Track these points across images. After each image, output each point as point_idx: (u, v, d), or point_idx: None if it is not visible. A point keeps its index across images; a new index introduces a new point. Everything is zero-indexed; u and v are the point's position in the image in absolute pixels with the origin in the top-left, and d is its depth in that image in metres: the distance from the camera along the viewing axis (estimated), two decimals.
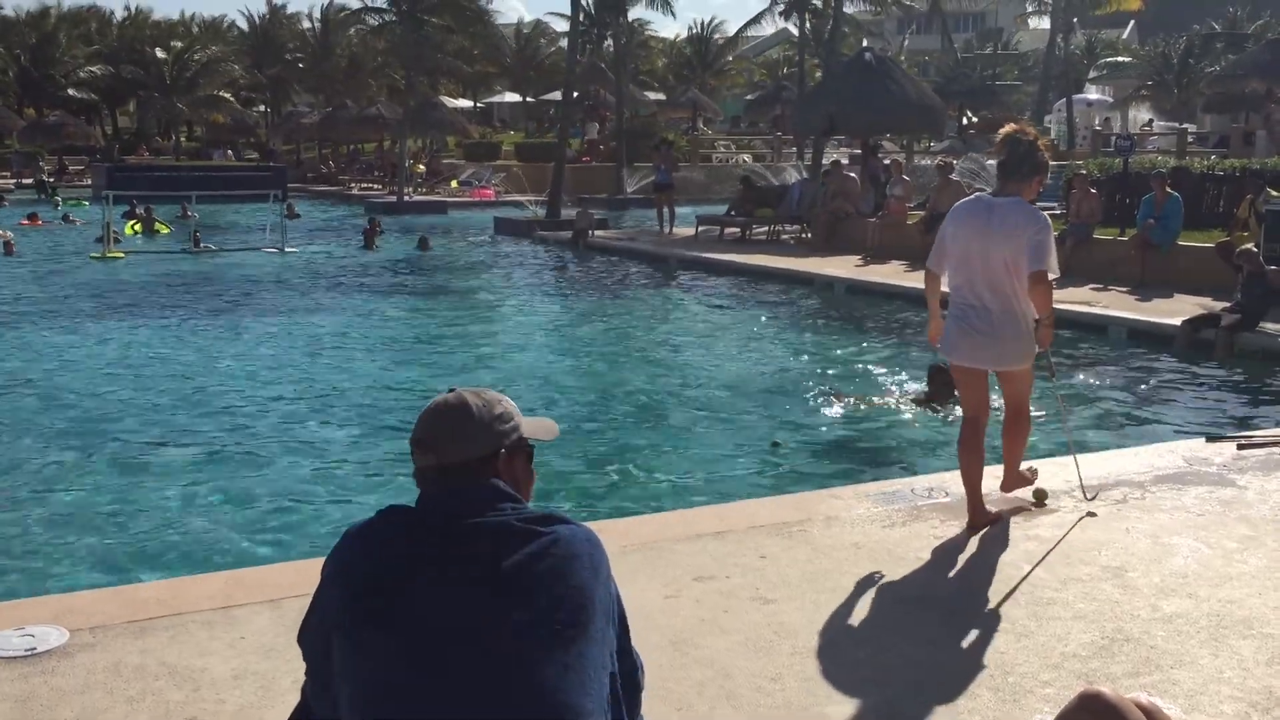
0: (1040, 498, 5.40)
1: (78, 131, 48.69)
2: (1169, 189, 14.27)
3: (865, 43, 35.09)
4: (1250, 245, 11.06)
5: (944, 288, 5.24)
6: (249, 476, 7.21)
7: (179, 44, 53.66)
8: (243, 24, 60.59)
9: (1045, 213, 5.13)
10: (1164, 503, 5.42)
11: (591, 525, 2.23)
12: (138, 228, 24.73)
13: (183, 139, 53.92)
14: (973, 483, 5.09)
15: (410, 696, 1.97)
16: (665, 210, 23.04)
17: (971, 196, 5.22)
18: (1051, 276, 4.89)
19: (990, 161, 24.38)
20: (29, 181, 39.62)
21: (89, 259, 20.12)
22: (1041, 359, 5.36)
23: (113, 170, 27.48)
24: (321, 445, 8.00)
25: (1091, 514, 5.22)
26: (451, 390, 2.26)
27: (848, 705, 3.46)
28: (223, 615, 4.07)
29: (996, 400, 5.46)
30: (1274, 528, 5.06)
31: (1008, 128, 5.17)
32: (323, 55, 53.87)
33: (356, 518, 2.23)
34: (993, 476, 5.44)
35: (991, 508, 5.17)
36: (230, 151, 51.19)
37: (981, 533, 5.01)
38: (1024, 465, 5.47)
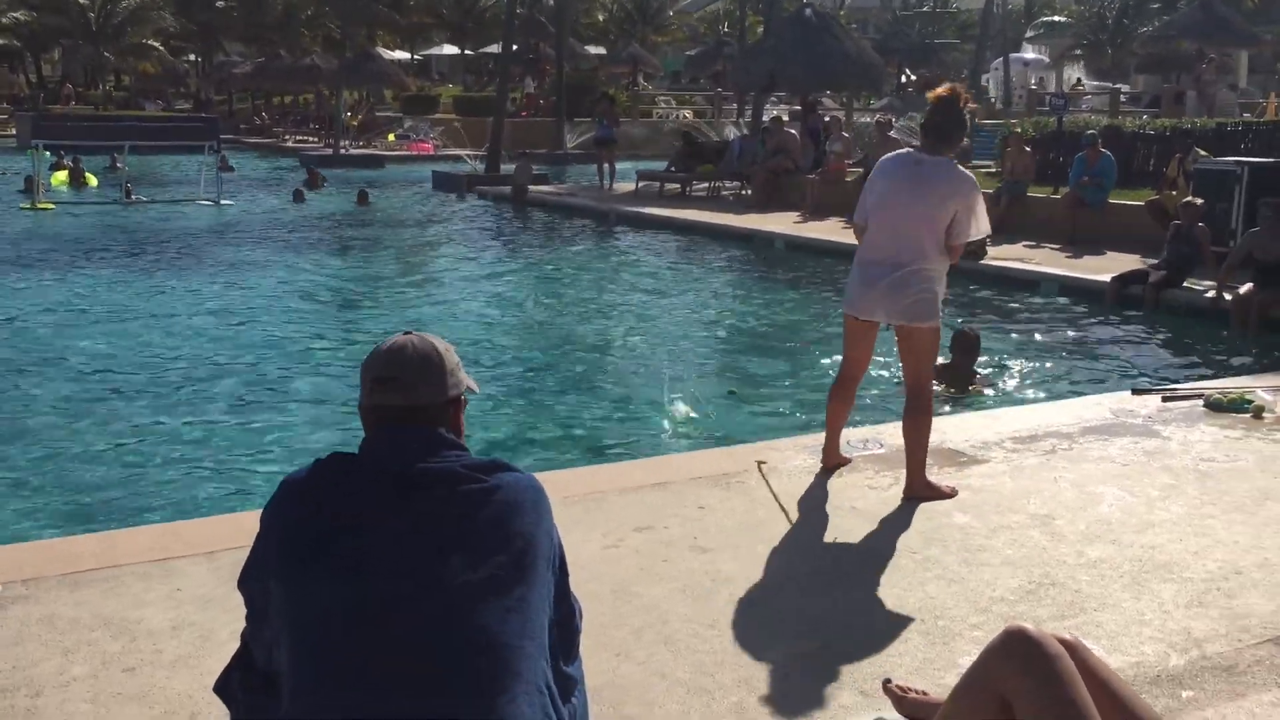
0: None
1: None
2: (1102, 148, 14.51)
3: None
4: (1196, 200, 11.26)
5: None
6: (183, 429, 7.13)
7: None
8: None
9: (982, 170, 5.14)
10: (1091, 453, 5.57)
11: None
12: (64, 178, 24.11)
13: (110, 88, 52.44)
14: (834, 426, 5.27)
15: (350, 640, 1.98)
16: (606, 166, 22.94)
17: (901, 151, 5.10)
18: (985, 234, 5.02)
19: None
20: None
21: (19, 209, 19.62)
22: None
23: (37, 119, 26.68)
24: (258, 398, 7.93)
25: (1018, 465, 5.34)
26: (408, 333, 2.26)
27: (781, 650, 3.53)
28: (159, 567, 4.04)
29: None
30: (1195, 477, 5.23)
31: (942, 89, 5.05)
32: (255, 3, 52.56)
33: (293, 467, 2.23)
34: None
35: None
36: (161, 102, 49.91)
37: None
38: (945, 484, 5.01)
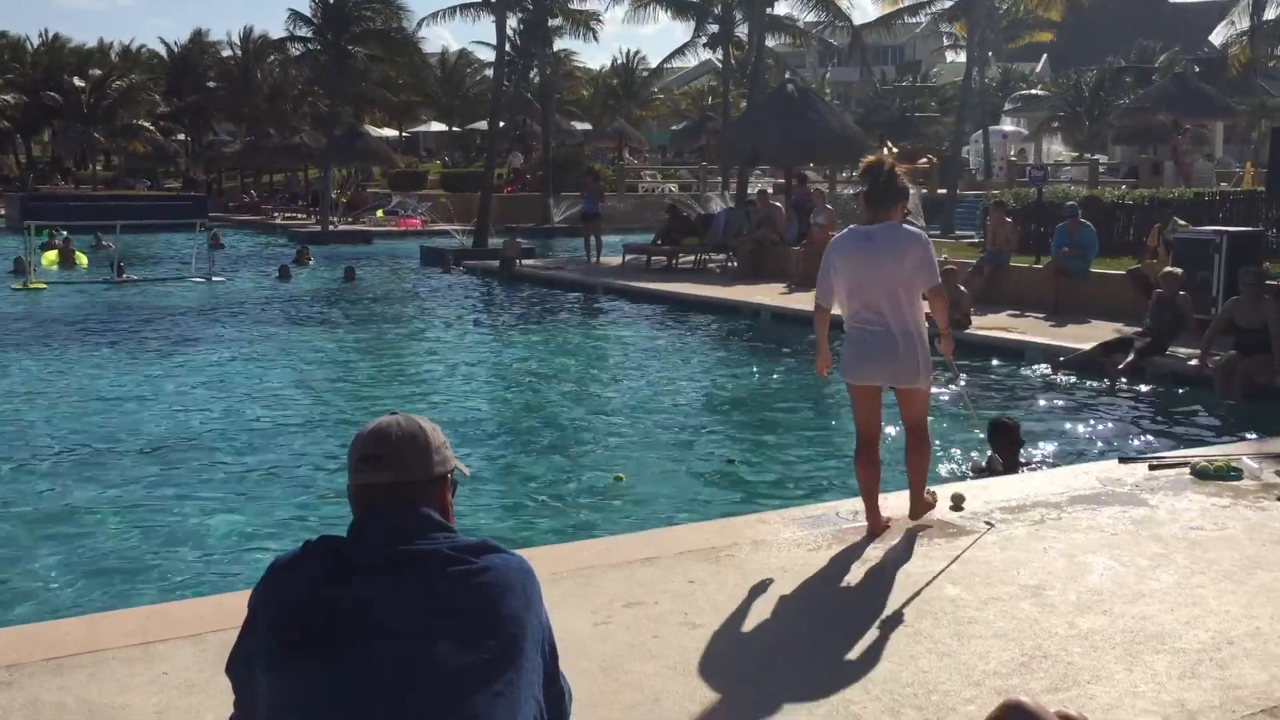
0: (957, 501, 5.75)
1: None
2: (1082, 219, 14.71)
3: (788, 74, 35.60)
4: (1176, 270, 11.40)
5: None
6: (170, 509, 7.08)
7: (98, 72, 52.66)
8: (162, 51, 59.85)
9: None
10: (1080, 522, 5.57)
11: (521, 552, 2.25)
12: (54, 258, 24.19)
13: (98, 168, 52.86)
14: (870, 491, 5.36)
15: None
16: (592, 239, 23.14)
17: (846, 230, 5.42)
18: (935, 284, 5.26)
19: (912, 190, 24.86)
20: None
21: (11, 290, 19.66)
22: (948, 367, 5.72)
23: (26, 200, 26.87)
24: (247, 477, 7.88)
25: (989, 523, 5.50)
26: (393, 413, 2.27)
27: None
28: (143, 651, 3.99)
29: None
30: (1184, 545, 5.23)
31: (866, 159, 5.40)
32: (244, 83, 53.23)
33: (278, 550, 2.22)
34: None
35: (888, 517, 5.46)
36: (148, 181, 50.27)
37: (906, 554, 5.10)
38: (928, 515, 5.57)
